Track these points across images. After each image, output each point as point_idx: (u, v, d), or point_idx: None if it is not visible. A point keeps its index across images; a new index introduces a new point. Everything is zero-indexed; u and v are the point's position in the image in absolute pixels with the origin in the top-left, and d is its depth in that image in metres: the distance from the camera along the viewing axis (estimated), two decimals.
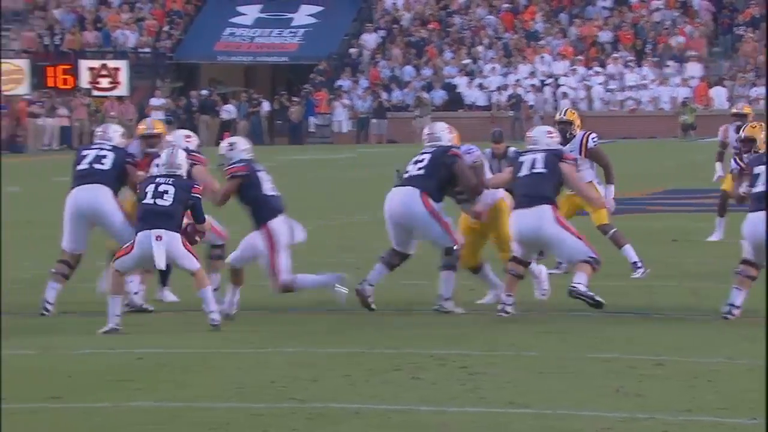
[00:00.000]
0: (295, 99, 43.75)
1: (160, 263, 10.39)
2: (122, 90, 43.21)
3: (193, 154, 11.38)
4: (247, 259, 11.00)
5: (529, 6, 46.93)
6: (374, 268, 11.20)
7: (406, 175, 11.20)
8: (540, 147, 11.04)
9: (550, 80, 43.68)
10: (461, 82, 44.14)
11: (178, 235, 10.47)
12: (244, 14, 46.78)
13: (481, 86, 43.93)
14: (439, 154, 11.18)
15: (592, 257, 10.72)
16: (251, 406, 7.84)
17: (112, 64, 43.69)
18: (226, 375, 8.84)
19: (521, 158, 11.08)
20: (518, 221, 10.84)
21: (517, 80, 43.55)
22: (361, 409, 7.73)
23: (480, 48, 45.46)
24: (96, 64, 43.66)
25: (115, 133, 11.59)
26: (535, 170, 10.87)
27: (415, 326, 10.61)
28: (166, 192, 10.51)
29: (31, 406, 7.88)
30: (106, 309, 10.38)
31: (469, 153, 11.35)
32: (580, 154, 13.22)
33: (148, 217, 10.43)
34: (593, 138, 13.26)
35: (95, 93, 42.81)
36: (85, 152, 11.47)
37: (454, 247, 11.03)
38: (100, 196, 11.15)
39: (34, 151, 39.77)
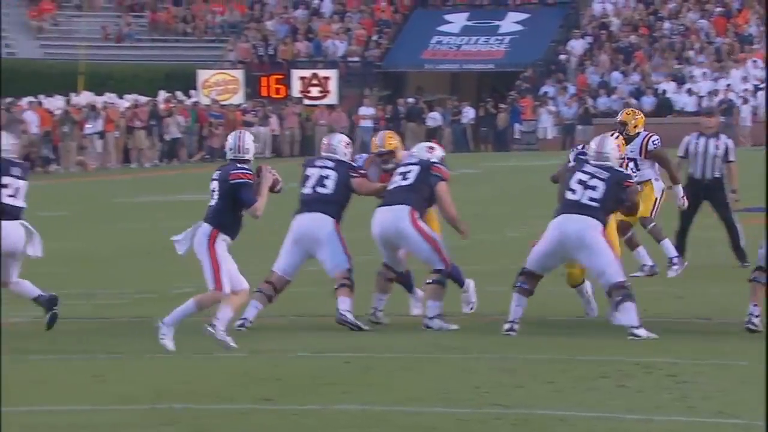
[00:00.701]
0: (501, 106, 43.70)
1: (178, 247, 10.03)
2: (332, 99, 43.85)
3: (436, 166, 11.05)
4: None
5: (743, 9, 45.85)
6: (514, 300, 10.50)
7: (573, 196, 10.41)
8: None
9: (763, 85, 42.56)
10: (670, 87, 43.41)
11: (208, 231, 9.89)
12: (451, 22, 46.91)
13: (690, 91, 43.12)
14: (613, 184, 10.40)
15: None
16: (456, 410, 7.85)
17: (322, 73, 44.39)
18: (431, 380, 8.87)
19: None
20: None
21: (728, 85, 42.59)
22: (567, 416, 7.67)
23: (690, 52, 44.61)
24: (307, 73, 44.41)
25: (339, 144, 11.24)
26: None
27: (619, 334, 10.45)
28: (214, 190, 10.12)
29: (242, 407, 8.04)
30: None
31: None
32: (640, 155, 13.19)
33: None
34: (654, 141, 13.22)
35: (306, 102, 43.55)
36: (309, 171, 11.14)
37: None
38: (321, 225, 10.88)
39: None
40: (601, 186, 10.40)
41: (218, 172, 10.20)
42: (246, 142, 10.26)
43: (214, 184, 10.13)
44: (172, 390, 8.55)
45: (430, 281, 10.85)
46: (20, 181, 10.88)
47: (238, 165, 10.13)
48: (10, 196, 10.78)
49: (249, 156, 10.21)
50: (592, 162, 10.59)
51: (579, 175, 10.51)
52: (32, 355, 9.99)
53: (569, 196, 10.47)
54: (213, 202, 10.09)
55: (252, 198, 10.03)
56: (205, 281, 10.03)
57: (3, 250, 10.71)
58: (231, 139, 10.31)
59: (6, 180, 10.79)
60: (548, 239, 10.48)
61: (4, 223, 10.70)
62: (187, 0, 49.19)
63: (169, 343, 9.86)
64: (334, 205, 11.00)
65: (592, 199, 10.39)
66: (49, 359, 9.84)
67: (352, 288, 10.91)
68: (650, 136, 13.34)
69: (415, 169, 11.09)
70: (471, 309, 11.31)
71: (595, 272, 10.43)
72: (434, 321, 10.79)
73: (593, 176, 10.46)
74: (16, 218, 10.79)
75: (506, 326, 10.43)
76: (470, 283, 11.30)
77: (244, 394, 8.40)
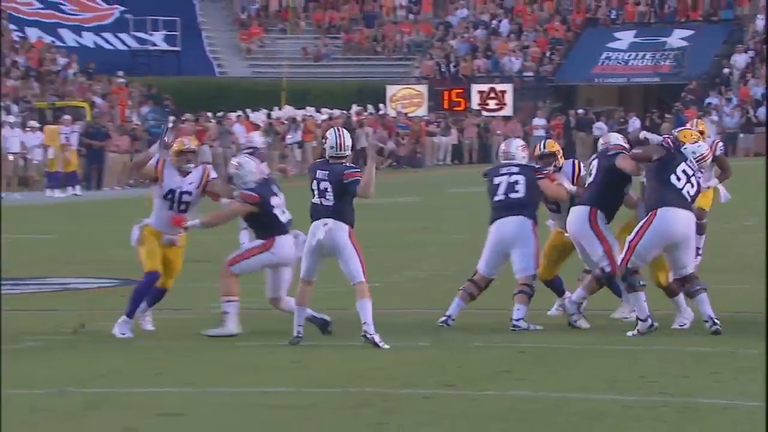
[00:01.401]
0: (667, 116, 42.93)
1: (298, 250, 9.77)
2: (507, 111, 43.83)
3: (617, 146, 10.59)
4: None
5: None
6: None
7: (679, 184, 10.01)
8: None
9: None
10: None
11: (346, 227, 9.65)
12: (619, 39, 46.42)
13: None
14: (699, 189, 10.28)
15: None
16: (623, 398, 7.71)
17: (499, 87, 44.41)
18: (599, 369, 8.74)
19: None
20: None
21: None
22: (729, 404, 7.46)
23: None
24: (485, 87, 44.47)
25: (517, 149, 10.92)
26: None
27: None
28: (326, 190, 9.74)
29: (426, 391, 8.04)
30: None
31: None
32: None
33: (315, 215, 9.80)
34: (720, 146, 12.68)
35: (484, 113, 43.60)
36: (497, 180, 10.80)
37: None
38: (520, 228, 10.63)
39: (430, 165, 40.88)
40: (696, 186, 10.15)
41: (324, 171, 9.74)
42: (346, 139, 9.84)
43: (326, 185, 9.73)
44: (363, 375, 8.60)
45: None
46: (281, 195, 10.60)
47: (346, 165, 9.78)
48: (282, 213, 10.46)
49: (348, 152, 9.83)
50: (693, 160, 10.20)
51: (684, 166, 10.13)
52: (238, 342, 10.17)
53: (675, 182, 10.08)
54: (330, 203, 9.74)
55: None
56: (351, 274, 9.73)
57: (281, 264, 10.38)
58: (331, 137, 9.79)
59: (273, 200, 10.40)
60: (658, 231, 10.00)
61: (283, 238, 10.35)
62: (378, 22, 49.70)
63: (381, 342, 9.61)
64: (528, 207, 10.73)
65: (689, 194, 10.10)
66: (252, 345, 10.00)
67: (531, 295, 10.68)
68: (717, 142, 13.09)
69: (595, 164, 10.74)
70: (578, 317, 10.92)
71: (682, 265, 10.14)
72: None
73: (695, 174, 10.16)
74: (288, 232, 10.43)
75: (650, 323, 10.04)
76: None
77: (429, 380, 8.40)
